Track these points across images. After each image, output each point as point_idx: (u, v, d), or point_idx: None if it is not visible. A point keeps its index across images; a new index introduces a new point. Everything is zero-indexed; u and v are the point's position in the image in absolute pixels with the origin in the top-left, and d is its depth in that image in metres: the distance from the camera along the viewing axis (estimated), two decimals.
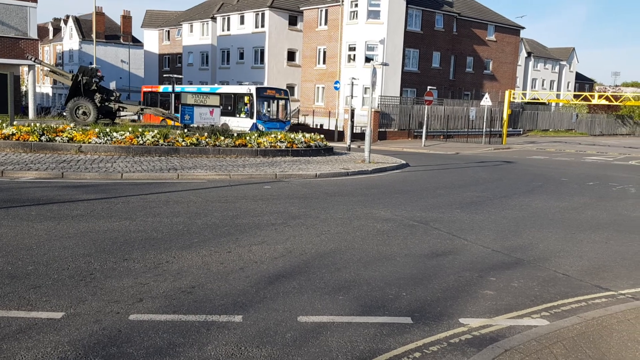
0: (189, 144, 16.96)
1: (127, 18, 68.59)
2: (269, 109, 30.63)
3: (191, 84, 53.49)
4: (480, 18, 45.98)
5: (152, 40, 60.39)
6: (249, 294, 5.40)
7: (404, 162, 19.13)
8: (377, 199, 11.42)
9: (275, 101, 30.80)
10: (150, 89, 37.91)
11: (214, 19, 49.91)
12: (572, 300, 5.64)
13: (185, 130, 18.96)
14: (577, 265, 6.99)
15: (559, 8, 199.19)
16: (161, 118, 32.34)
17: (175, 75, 47.02)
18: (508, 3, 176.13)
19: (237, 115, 30.04)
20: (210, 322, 4.69)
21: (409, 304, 5.34)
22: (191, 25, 53.27)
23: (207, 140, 17.37)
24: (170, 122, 25.42)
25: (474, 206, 11.09)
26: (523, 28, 49.82)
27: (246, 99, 29.05)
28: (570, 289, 6.00)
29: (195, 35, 52.65)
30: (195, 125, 19.77)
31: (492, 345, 4.31)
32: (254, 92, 29.10)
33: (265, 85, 39.49)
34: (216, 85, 35.37)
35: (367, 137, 18.63)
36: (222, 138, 17.72)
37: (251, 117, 28.89)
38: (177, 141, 16.94)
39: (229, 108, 30.62)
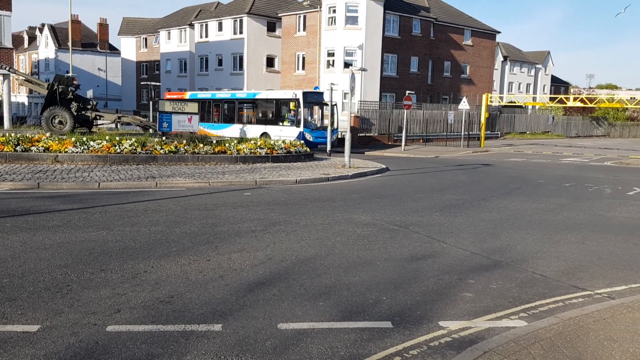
0: (167, 151, 16.83)
1: (103, 26, 67.99)
2: (316, 117, 28.47)
3: (169, 91, 53.21)
4: (457, 23, 46.51)
5: (129, 48, 59.94)
6: (229, 302, 5.36)
7: (384, 166, 19.22)
8: (357, 204, 11.45)
9: (322, 108, 28.41)
10: (174, 97, 34.50)
11: (191, 25, 49.73)
12: (549, 301, 5.71)
13: (164, 138, 18.81)
14: (554, 266, 7.08)
15: (533, 12, 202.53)
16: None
17: (153, 83, 46.87)
18: (484, 8, 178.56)
19: (280, 124, 27.65)
20: (189, 332, 4.64)
21: (389, 308, 5.35)
22: (169, 33, 53.01)
23: (185, 147, 17.26)
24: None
25: (453, 209, 11.18)
26: (499, 32, 50.51)
27: (291, 105, 26.47)
28: (547, 290, 6.08)
29: (173, 42, 52.39)
30: (174, 133, 19.64)
31: (471, 347, 4.34)
32: (300, 97, 26.59)
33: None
34: (253, 91, 32.98)
35: (347, 142, 18.68)
36: (201, 145, 17.63)
37: (297, 126, 26.57)
38: (156, 149, 16.80)
39: (270, 116, 28.53)
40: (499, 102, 45.96)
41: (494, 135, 45.77)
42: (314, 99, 27.79)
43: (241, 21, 44.34)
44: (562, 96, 41.55)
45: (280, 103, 27.90)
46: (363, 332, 4.77)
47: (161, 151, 16.79)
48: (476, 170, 20.08)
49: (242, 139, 20.14)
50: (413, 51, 42.10)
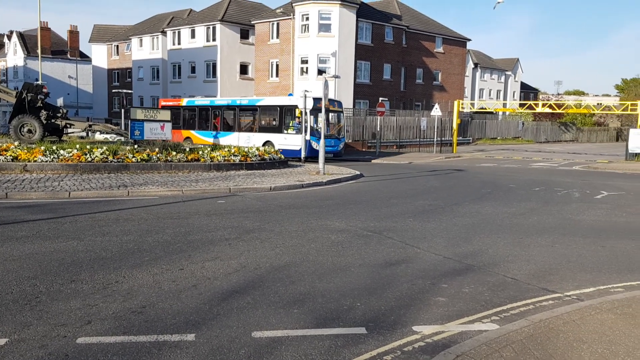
0: (139, 160, 16.64)
1: (74, 33, 67.06)
2: (319, 124, 26.92)
3: (142, 99, 52.66)
4: (428, 31, 47.11)
5: (100, 55, 59.19)
6: (202, 311, 5.32)
7: (358, 172, 19.31)
8: (331, 211, 11.47)
9: (329, 115, 26.63)
10: (170, 103, 32.52)
11: (164, 33, 49.37)
12: (520, 304, 5.80)
13: (136, 146, 18.60)
14: (525, 269, 7.19)
15: (503, 21, 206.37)
16: (185, 136, 29.56)
17: (125, 91, 46.32)
18: (455, 16, 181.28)
19: (284, 132, 26.12)
20: (162, 342, 4.59)
21: (363, 314, 5.37)
22: (141, 40, 52.52)
23: (158, 155, 17.09)
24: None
25: (426, 214, 11.29)
26: (469, 40, 51.31)
27: (297, 112, 24.82)
28: (518, 293, 6.17)
29: (145, 50, 51.91)
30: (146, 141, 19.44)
31: (444, 351, 4.38)
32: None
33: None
34: (256, 97, 31.71)
35: (320, 149, 18.73)
36: (174, 153, 17.48)
37: (303, 134, 24.84)
38: (127, 157, 16.60)
39: (273, 123, 27.00)
40: (471, 108, 46.67)
41: (465, 141, 46.41)
42: (320, 105, 26.60)
43: (214, 28, 44.18)
44: (532, 102, 42.37)
45: (285, 110, 26.38)
46: (337, 338, 4.77)
47: (133, 159, 16.59)
48: (449, 175, 20.31)
49: (215, 147, 20.00)
50: (386, 58, 42.49)
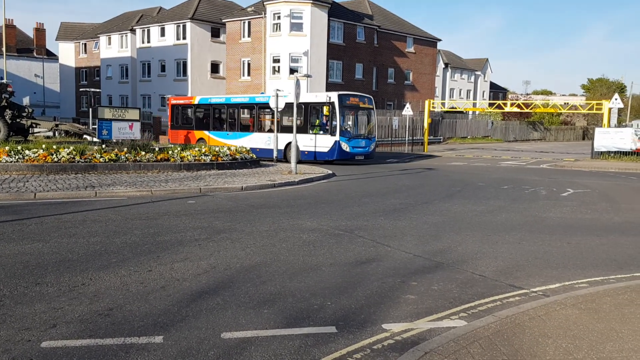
0: (107, 160, 16.37)
1: (40, 31, 65.56)
2: (350, 123, 24.97)
3: (111, 98, 51.80)
4: (400, 31, 47.47)
5: (67, 54, 58.01)
6: (171, 313, 5.26)
7: (330, 172, 19.34)
8: (303, 210, 11.47)
9: (359, 112, 25.15)
10: (181, 102, 30.48)
11: (133, 31, 48.66)
12: (488, 300, 5.89)
13: (104, 146, 18.29)
14: (492, 266, 7.31)
15: (472, 21, 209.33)
16: (198, 137, 27.71)
17: (93, 89, 45.52)
18: (426, 16, 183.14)
19: (310, 132, 23.97)
20: (129, 345, 4.52)
21: (333, 313, 5.38)
22: (109, 38, 51.66)
23: (127, 155, 16.83)
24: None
25: (397, 213, 11.37)
26: (440, 40, 51.89)
27: (324, 110, 22.92)
28: (486, 289, 6.26)
29: (114, 48, 51.09)
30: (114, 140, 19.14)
31: (412, 349, 4.42)
32: (335, 100, 23.11)
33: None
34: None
35: (293, 149, 18.70)
36: (143, 153, 17.24)
37: (332, 134, 23.20)
38: (95, 157, 16.31)
39: (298, 123, 23.55)
40: (441, 107, 47.22)
41: (436, 140, 46.92)
42: (350, 102, 24.42)
43: (184, 27, 43.73)
44: (500, 102, 43.06)
45: (311, 108, 24.12)
46: (307, 338, 4.77)
47: (101, 159, 16.31)
48: (420, 174, 20.50)
49: (185, 146, 19.80)
50: (358, 58, 42.68)
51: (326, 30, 38.89)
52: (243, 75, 41.60)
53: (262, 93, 22.33)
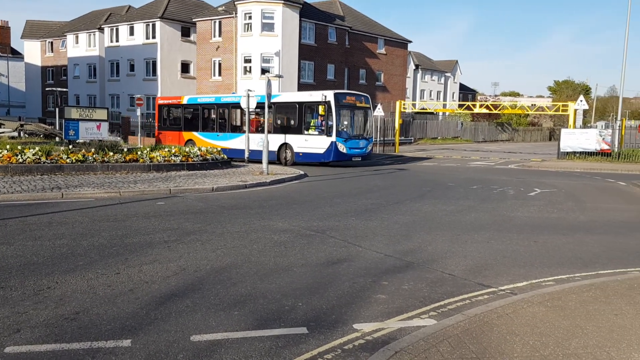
0: (74, 160, 16.05)
1: (4, 29, 63.91)
2: (346, 123, 23.95)
3: (78, 97, 50.80)
4: (371, 32, 47.73)
5: (33, 52, 56.69)
6: (139, 316, 5.17)
7: (302, 172, 19.33)
8: (274, 211, 11.43)
9: (355, 111, 24.24)
10: (169, 102, 29.56)
11: (101, 29, 47.83)
12: (457, 299, 5.96)
13: (70, 146, 17.92)
14: (462, 265, 7.40)
15: (442, 23, 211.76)
16: (187, 139, 26.78)
17: (59, 89, 44.57)
18: (397, 17, 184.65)
19: (305, 132, 23.25)
20: (96, 349, 4.43)
21: (304, 314, 5.37)
22: (76, 36, 50.67)
23: (94, 156, 16.52)
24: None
25: (369, 213, 11.43)
26: (410, 42, 52.35)
27: (320, 109, 22.20)
28: (455, 288, 6.34)
29: (82, 47, 50.12)
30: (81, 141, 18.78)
31: (383, 348, 4.44)
32: (331, 99, 22.27)
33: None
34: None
35: (264, 149, 18.62)
36: (111, 154, 16.96)
37: (327, 135, 22.42)
38: (62, 158, 15.98)
39: (292, 123, 23.97)
40: (412, 108, 47.62)
41: (407, 141, 47.32)
42: (346, 101, 23.60)
43: (154, 26, 43.16)
44: (470, 103, 43.69)
45: (305, 107, 23.35)
46: (278, 339, 4.75)
47: (68, 160, 15.98)
48: (391, 174, 20.64)
49: (155, 147, 19.53)
50: (329, 59, 42.77)
51: (297, 31, 38.87)
52: (214, 75, 41.28)
53: (251, 90, 21.76)
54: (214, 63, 41.11)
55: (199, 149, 19.66)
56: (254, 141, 24.21)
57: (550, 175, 21.89)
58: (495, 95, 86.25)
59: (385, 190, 15.58)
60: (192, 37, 44.03)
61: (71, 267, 6.68)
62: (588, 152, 29.31)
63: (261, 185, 15.92)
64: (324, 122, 22.57)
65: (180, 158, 18.21)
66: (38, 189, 12.81)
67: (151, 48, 43.21)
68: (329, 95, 22.50)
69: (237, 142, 24.94)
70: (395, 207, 12.44)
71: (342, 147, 22.46)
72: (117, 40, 46.07)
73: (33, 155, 15.65)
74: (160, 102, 29.63)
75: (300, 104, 23.47)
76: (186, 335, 4.75)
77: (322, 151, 22.59)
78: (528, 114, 60.54)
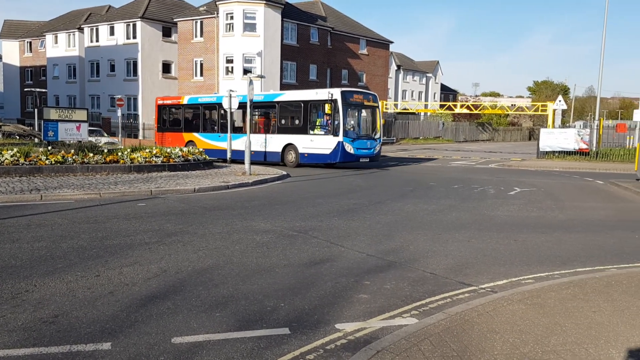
0: (53, 162, 15.84)
1: None
2: (353, 122, 23.00)
3: (58, 98, 50.14)
4: (353, 33, 47.86)
5: (12, 52, 55.86)
6: (119, 318, 5.12)
7: (284, 172, 19.31)
8: (257, 211, 11.40)
9: (363, 110, 23.52)
10: (168, 102, 28.74)
11: (81, 29, 47.30)
12: (438, 298, 6.00)
13: (50, 147, 17.69)
14: (443, 264, 7.45)
15: (424, 24, 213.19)
16: (187, 140, 26.27)
17: (38, 89, 43.94)
18: (378, 18, 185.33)
19: (310, 132, 22.44)
20: (75, 353, 4.38)
21: (287, 315, 5.36)
22: (56, 36, 50.04)
23: (74, 157, 16.33)
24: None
25: (351, 213, 11.45)
26: (392, 42, 52.62)
27: (326, 108, 21.56)
28: (437, 287, 6.38)
29: (61, 47, 49.51)
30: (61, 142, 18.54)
31: (365, 348, 4.45)
32: (338, 97, 21.47)
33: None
34: (273, 92, 27.17)
35: (246, 149, 18.57)
36: (91, 155, 16.77)
37: (334, 134, 21.61)
38: (40, 160, 15.76)
39: (296, 123, 23.18)
40: (394, 109, 47.85)
41: (390, 141, 47.52)
42: (353, 99, 22.68)
43: (134, 25, 42.79)
44: (451, 103, 44.03)
45: (310, 106, 22.51)
46: (260, 340, 4.74)
47: (47, 162, 15.77)
48: (373, 174, 20.71)
49: (135, 148, 19.36)
50: (312, 59, 42.79)
51: (280, 31, 38.83)
52: (196, 75, 41.05)
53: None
54: (196, 63, 40.89)
55: (181, 150, 19.52)
56: (257, 142, 23.53)
57: (530, 175, 22.15)
58: (476, 96, 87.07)
59: (367, 190, 15.63)
60: (173, 37, 43.74)
61: (50, 270, 6.59)
62: (567, 152, 29.72)
63: (243, 185, 15.87)
64: (330, 122, 21.79)
65: (161, 159, 18.07)
66: (16, 190, 12.62)
67: (132, 48, 42.83)
68: (336, 93, 21.74)
69: (239, 143, 23.89)
70: (378, 206, 12.49)
71: (349, 148, 21.71)
72: (97, 40, 45.58)
73: (11, 156, 15.41)
74: (160, 102, 28.81)
75: (305, 102, 22.68)
76: (167, 338, 4.71)
77: (328, 152, 21.83)
78: (508, 114, 61.19)
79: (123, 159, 17.25)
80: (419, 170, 23.12)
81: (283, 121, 23.82)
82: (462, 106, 41.99)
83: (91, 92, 46.66)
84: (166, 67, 44.19)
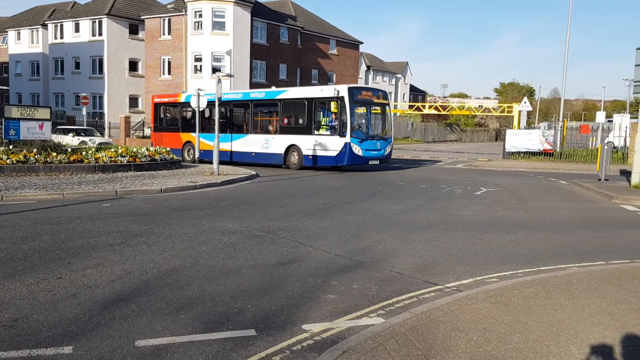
0: (15, 161, 15.43)
1: None
2: (362, 122, 21.75)
3: (21, 96, 48.86)
4: (323, 33, 47.93)
5: None
6: (81, 321, 5.01)
7: (254, 172, 19.20)
8: (225, 212, 11.31)
9: (372, 108, 22.11)
10: (165, 100, 27.25)
11: (45, 26, 46.20)
12: (405, 297, 6.04)
13: (11, 146, 17.22)
14: (410, 263, 7.51)
15: (393, 24, 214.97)
16: (185, 140, 24.87)
17: (0, 87, 42.70)
18: (348, 18, 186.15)
19: (315, 132, 21.09)
20: (36, 357, 4.26)
21: (253, 316, 5.33)
22: (18, 33, 48.76)
23: (36, 157, 15.93)
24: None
25: (320, 213, 11.46)
26: (362, 43, 52.88)
27: (332, 106, 20.01)
28: (403, 287, 6.43)
29: (24, 43, 48.27)
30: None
31: (331, 348, 4.45)
32: (345, 94, 20.01)
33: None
34: (275, 89, 24.47)
35: (215, 149, 18.41)
36: (55, 154, 16.40)
37: (341, 135, 20.21)
38: (1, 159, 15.32)
39: (300, 122, 21.76)
40: None
41: None
42: (362, 96, 21.29)
43: (100, 22, 42.00)
44: (420, 104, 44.53)
45: (315, 104, 21.13)
46: (226, 342, 4.69)
47: (8, 161, 15.35)
48: (343, 174, 20.76)
49: (100, 147, 18.99)
50: (281, 58, 42.69)
51: (249, 30, 38.63)
52: (163, 73, 40.52)
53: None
54: (164, 61, 40.37)
55: (147, 149, 19.24)
56: (259, 143, 22.64)
57: (496, 175, 22.52)
58: (445, 97, 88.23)
59: (337, 190, 15.67)
60: (140, 35, 43.09)
61: (10, 272, 6.41)
62: (532, 152, 30.34)
63: (212, 186, 15.72)
64: (336, 121, 20.39)
65: (127, 158, 17.77)
66: None
67: (98, 45, 42.04)
68: (343, 89, 20.32)
69: (239, 144, 23.26)
70: (347, 206, 12.53)
71: (357, 149, 20.28)
72: (61, 37, 44.59)
73: None
74: (157, 100, 27.37)
75: (310, 100, 21.22)
76: (130, 341, 4.63)
77: (334, 153, 20.37)
78: (475, 115, 62.17)
79: (87, 159, 16.91)
80: (386, 170, 23.27)
81: (286, 120, 22.49)
82: (430, 107, 42.50)
83: (55, 90, 45.63)
84: (133, 65, 43.51)
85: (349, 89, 20.43)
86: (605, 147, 19.01)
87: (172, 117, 26.92)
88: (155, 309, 5.39)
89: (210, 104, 21.65)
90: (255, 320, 5.21)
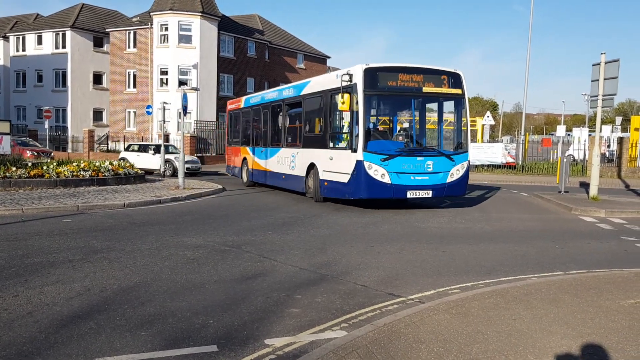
0: None
1: None
2: (408, 125, 15.66)
3: None
4: (290, 47, 48.19)
5: None
6: (38, 340, 4.88)
7: (220, 186, 19.07)
8: (189, 226, 11.19)
9: (417, 101, 14.52)
10: (234, 106, 22.52)
11: (6, 38, 45.26)
12: (368, 310, 6.07)
13: None
14: (374, 276, 7.56)
15: (362, 39, 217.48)
16: (243, 156, 20.70)
17: None
18: (317, 33, 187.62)
19: (329, 145, 14.23)
20: None
21: (215, 332, 5.28)
22: None
23: None
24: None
25: (286, 227, 11.44)
26: (329, 57, 53.36)
27: (341, 101, 12.96)
28: (367, 299, 6.46)
29: None
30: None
31: None
32: (359, 80, 12.98)
33: None
34: (304, 80, 16.72)
35: (180, 163, 18.24)
36: (14, 169, 15.99)
37: (352, 149, 13.09)
38: None
39: (317, 129, 15.41)
40: None
41: None
42: (401, 81, 13.47)
43: (64, 35, 41.36)
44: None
45: (330, 99, 14.23)
46: (187, 358, 4.63)
47: None
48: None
49: (62, 162, 18.61)
50: (249, 72, 42.71)
51: (216, 44, 38.57)
52: (128, 86, 40.07)
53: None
54: (129, 74, 39.92)
55: (111, 163, 18.92)
56: (286, 160, 16.82)
57: None
58: None
59: (303, 203, 15.66)
60: (105, 48, 42.59)
61: None
62: (495, 165, 30.95)
63: (176, 200, 15.55)
64: (351, 126, 13.28)
65: (89, 173, 17.45)
66: None
67: (61, 58, 41.35)
68: (357, 72, 13.05)
69: (274, 163, 17.68)
70: (313, 220, 12.54)
71: (379, 173, 12.89)
72: (23, 50, 43.72)
73: None
74: (230, 107, 22.78)
75: (325, 94, 14.50)
76: (88, 359, 4.53)
77: (345, 179, 13.36)
78: None
79: (48, 173, 16.54)
80: None
81: (307, 127, 16.07)
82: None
83: (17, 103, 44.59)
84: (97, 78, 42.91)
85: (366, 71, 13.00)
86: (565, 160, 19.54)
87: (236, 129, 21.92)
88: (114, 326, 5.29)
89: (266, 107, 17.67)
90: (217, 336, 5.16)
